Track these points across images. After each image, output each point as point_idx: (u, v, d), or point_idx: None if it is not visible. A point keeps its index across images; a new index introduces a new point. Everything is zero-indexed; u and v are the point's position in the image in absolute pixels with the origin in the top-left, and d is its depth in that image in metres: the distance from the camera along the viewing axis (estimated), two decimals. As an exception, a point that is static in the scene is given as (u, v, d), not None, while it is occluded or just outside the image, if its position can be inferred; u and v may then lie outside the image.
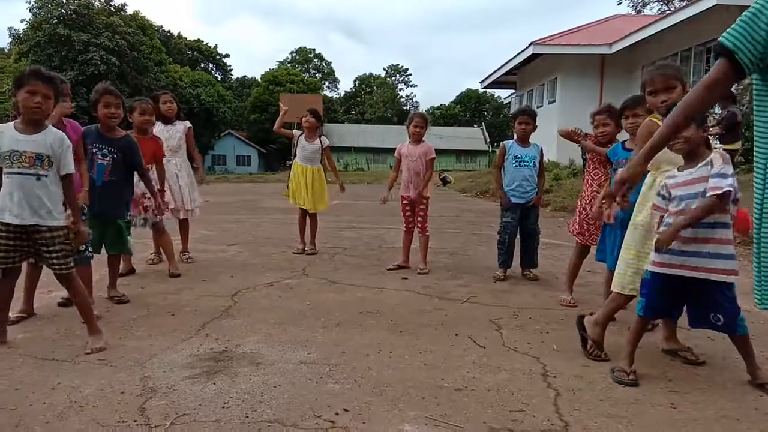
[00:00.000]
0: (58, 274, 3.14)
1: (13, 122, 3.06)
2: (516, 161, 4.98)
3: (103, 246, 4.12)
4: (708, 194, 2.57)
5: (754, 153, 1.88)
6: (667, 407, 2.51)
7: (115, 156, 4.05)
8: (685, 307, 2.90)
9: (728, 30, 1.84)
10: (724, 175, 2.58)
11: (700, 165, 2.68)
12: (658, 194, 2.85)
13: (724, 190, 2.53)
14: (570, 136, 4.35)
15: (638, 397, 2.60)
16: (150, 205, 4.85)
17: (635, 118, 3.54)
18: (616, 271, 3.14)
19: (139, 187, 4.69)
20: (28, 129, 3.00)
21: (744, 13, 1.81)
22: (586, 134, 4.33)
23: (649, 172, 3.03)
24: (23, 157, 2.95)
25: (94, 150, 3.99)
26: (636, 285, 3.01)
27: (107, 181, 4.00)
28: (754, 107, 1.89)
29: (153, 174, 4.90)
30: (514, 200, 4.98)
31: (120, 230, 4.14)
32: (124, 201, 4.21)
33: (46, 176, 3.02)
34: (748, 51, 1.79)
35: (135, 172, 4.27)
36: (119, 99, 4.05)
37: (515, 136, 5.11)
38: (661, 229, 2.76)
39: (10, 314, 3.52)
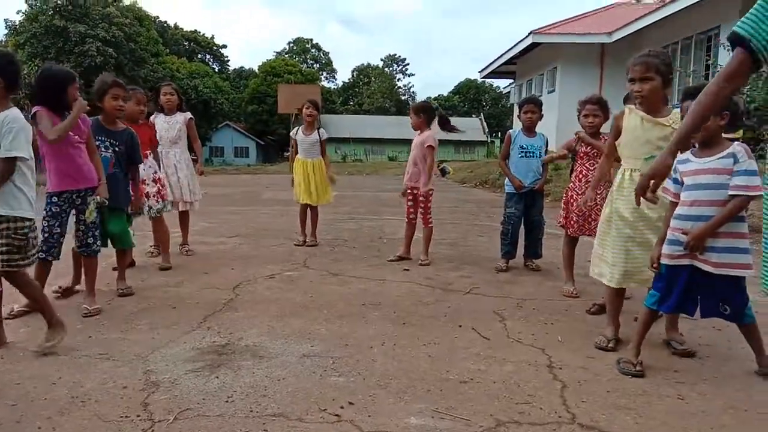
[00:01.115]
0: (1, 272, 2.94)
1: None
2: (522, 151, 4.94)
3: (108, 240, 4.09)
4: (739, 193, 2.53)
5: None
6: (674, 398, 2.50)
7: (117, 149, 4.02)
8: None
9: (742, 19, 1.88)
10: (753, 173, 2.53)
11: (719, 155, 2.62)
12: (670, 177, 2.74)
13: (759, 193, 2.48)
14: (571, 148, 4.33)
15: (645, 389, 2.58)
16: (151, 191, 4.80)
17: None
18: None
19: (140, 173, 4.67)
20: None
21: (758, 2, 1.85)
22: (576, 134, 4.28)
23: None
24: None
25: (97, 143, 3.94)
26: (600, 270, 3.16)
27: (112, 173, 3.96)
28: None
29: (150, 160, 4.86)
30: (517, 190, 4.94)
31: (123, 223, 4.12)
32: (128, 191, 4.18)
33: None
34: (762, 38, 1.82)
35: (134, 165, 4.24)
36: (127, 92, 4.05)
37: (521, 126, 5.06)
38: (677, 223, 2.70)
39: (15, 306, 3.51)
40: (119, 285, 4.13)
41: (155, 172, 4.94)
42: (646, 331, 2.86)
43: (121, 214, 4.09)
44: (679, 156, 2.72)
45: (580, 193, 4.12)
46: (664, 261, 2.76)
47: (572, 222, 4.17)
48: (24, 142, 2.90)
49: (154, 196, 4.81)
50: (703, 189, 2.63)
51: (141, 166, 4.71)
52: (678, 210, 2.74)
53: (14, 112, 2.92)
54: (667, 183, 2.77)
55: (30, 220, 2.98)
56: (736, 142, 2.67)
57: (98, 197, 3.60)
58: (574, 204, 4.14)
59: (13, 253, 2.91)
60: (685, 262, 2.68)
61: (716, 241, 2.61)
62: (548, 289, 4.40)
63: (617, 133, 3.15)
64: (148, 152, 4.86)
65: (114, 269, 4.28)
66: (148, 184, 4.77)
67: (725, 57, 11.55)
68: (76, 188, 3.53)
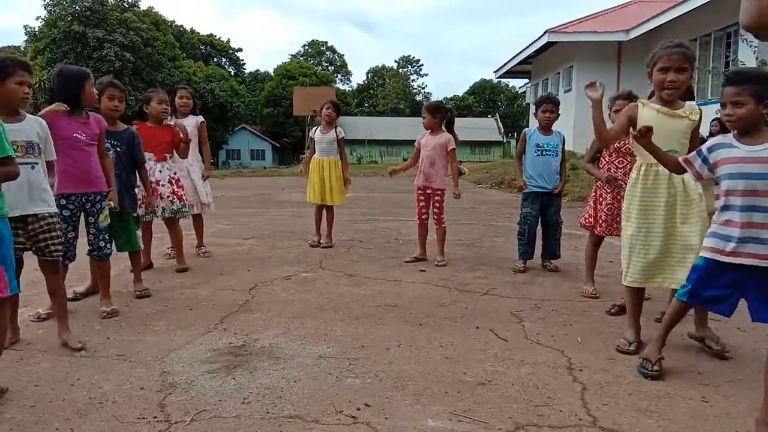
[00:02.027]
0: (50, 261, 3.05)
1: None
2: (538, 150, 4.88)
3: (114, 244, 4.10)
4: None
5: None
6: (698, 401, 2.44)
7: (119, 149, 4.04)
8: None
9: None
10: None
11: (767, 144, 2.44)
12: (699, 154, 2.59)
13: None
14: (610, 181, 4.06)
15: (668, 391, 2.52)
16: (165, 192, 4.81)
17: None
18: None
19: (154, 175, 4.71)
20: (10, 119, 2.90)
21: None
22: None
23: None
24: (16, 147, 2.84)
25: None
26: (637, 276, 3.01)
27: (114, 174, 3.97)
28: None
29: (169, 163, 4.88)
30: (535, 189, 4.89)
31: (128, 225, 4.13)
32: (132, 193, 4.20)
33: (38, 164, 2.98)
34: None
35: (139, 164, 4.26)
36: (123, 93, 4.07)
37: (537, 125, 5.00)
38: (729, 215, 2.49)
39: (40, 311, 3.56)
40: (136, 287, 4.15)
41: (174, 173, 4.94)
42: (673, 325, 2.75)
43: (125, 216, 4.09)
44: (719, 139, 2.58)
45: (609, 191, 4.02)
46: (705, 254, 2.57)
47: (600, 221, 4.07)
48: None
49: (168, 197, 4.82)
50: (756, 179, 2.43)
51: (157, 168, 4.75)
52: (727, 200, 2.51)
53: (34, 116, 3.09)
54: (694, 159, 2.61)
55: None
56: None
57: (111, 202, 3.64)
58: (604, 203, 4.05)
59: (62, 243, 3.10)
60: (737, 260, 2.45)
61: (762, 233, 2.40)
62: (567, 290, 4.34)
63: (628, 122, 3.03)
64: (168, 154, 4.88)
65: (131, 271, 4.31)
66: (163, 185, 4.79)
67: (745, 52, 11.38)
68: (85, 192, 3.54)
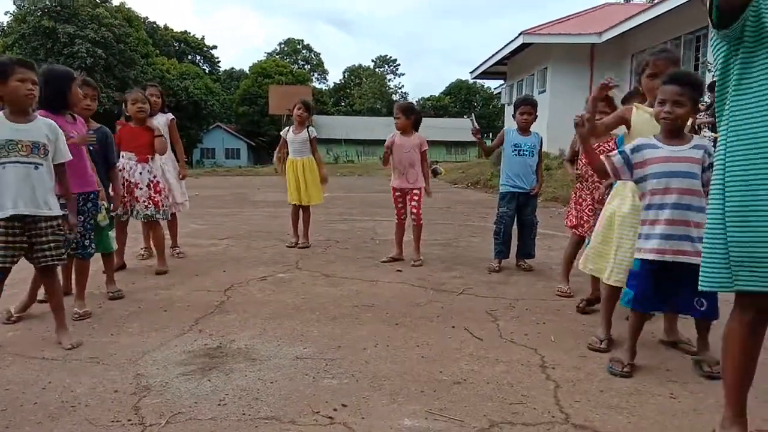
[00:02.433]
0: (45, 266, 3.07)
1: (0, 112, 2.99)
2: (515, 149, 4.94)
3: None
4: None
5: (724, 131, 1.89)
6: (667, 397, 2.50)
7: (92, 148, 3.95)
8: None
9: None
10: None
11: (690, 146, 2.62)
12: (624, 152, 2.70)
13: None
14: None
15: (638, 388, 2.58)
16: (142, 196, 4.75)
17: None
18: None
19: (133, 176, 4.66)
20: (19, 118, 2.95)
21: None
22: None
23: None
24: (20, 146, 2.91)
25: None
26: (598, 267, 3.14)
27: None
28: (736, 83, 1.87)
29: (150, 165, 4.81)
30: (512, 189, 4.95)
31: (100, 226, 4.06)
32: (104, 192, 4.13)
33: (42, 165, 2.99)
34: None
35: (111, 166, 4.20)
36: (96, 91, 4.04)
37: (516, 125, 5.05)
38: (654, 213, 2.66)
39: (12, 309, 3.52)
40: (109, 288, 4.10)
41: (154, 176, 4.87)
42: (638, 333, 2.85)
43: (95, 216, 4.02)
44: (643, 140, 2.70)
45: (588, 191, 4.09)
46: (640, 255, 2.72)
47: (583, 221, 4.13)
48: None
49: (144, 201, 4.75)
50: (680, 177, 2.59)
51: (137, 169, 4.71)
52: (649, 200, 2.68)
53: (47, 118, 3.14)
54: (615, 158, 2.71)
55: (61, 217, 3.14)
56: (696, 135, 2.68)
57: (105, 202, 3.61)
58: (584, 204, 4.12)
59: (59, 248, 3.10)
60: (668, 258, 2.63)
61: (692, 230, 2.59)
62: (541, 289, 4.40)
63: (620, 121, 3.09)
64: (149, 155, 4.83)
65: (104, 272, 4.24)
66: (140, 188, 4.73)
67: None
68: (81, 191, 3.52)
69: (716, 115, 1.99)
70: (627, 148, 2.72)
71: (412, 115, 5.37)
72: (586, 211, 4.09)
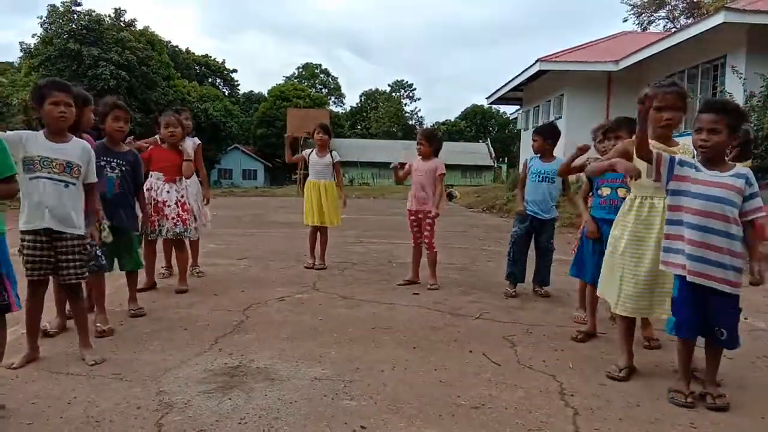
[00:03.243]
0: (70, 284, 3.17)
1: (41, 131, 3.13)
2: (536, 177, 4.98)
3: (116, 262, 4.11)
4: (759, 215, 2.60)
5: None
6: (687, 426, 2.49)
7: (123, 168, 4.07)
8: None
9: None
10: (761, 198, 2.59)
11: (730, 173, 2.64)
12: (675, 159, 2.71)
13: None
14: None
15: (658, 417, 2.57)
16: (170, 214, 4.86)
17: (617, 140, 3.56)
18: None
19: (161, 195, 4.80)
20: (56, 138, 3.10)
21: None
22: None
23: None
24: (54, 164, 3.05)
25: (102, 163, 4.00)
26: (629, 305, 3.05)
27: (118, 193, 4.02)
28: None
29: (177, 185, 4.92)
30: (528, 212, 4.96)
31: (131, 244, 4.15)
32: (134, 213, 4.24)
33: (74, 185, 3.12)
34: None
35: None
36: (128, 114, 4.15)
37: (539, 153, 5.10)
38: (683, 231, 2.67)
39: (47, 324, 3.58)
40: (131, 306, 4.16)
41: (182, 196, 4.98)
42: (688, 360, 2.82)
43: (127, 235, 4.11)
44: (689, 159, 2.74)
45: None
46: (664, 267, 2.76)
47: None
48: None
49: (173, 218, 4.86)
50: (715, 202, 2.62)
51: (165, 188, 4.83)
52: (678, 216, 2.70)
53: (82, 140, 3.30)
54: (665, 162, 2.71)
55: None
56: (739, 164, 2.70)
57: (106, 221, 3.68)
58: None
59: (83, 267, 3.21)
60: (695, 279, 2.65)
61: (723, 257, 2.61)
62: (558, 316, 4.39)
63: (623, 155, 3.07)
64: (177, 177, 4.96)
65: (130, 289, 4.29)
66: (169, 206, 4.84)
67: (732, 84, 11.65)
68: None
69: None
70: (678, 157, 2.74)
71: (434, 143, 5.48)
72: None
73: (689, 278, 2.66)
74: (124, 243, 4.08)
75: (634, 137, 3.18)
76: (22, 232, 3.05)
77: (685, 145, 3.09)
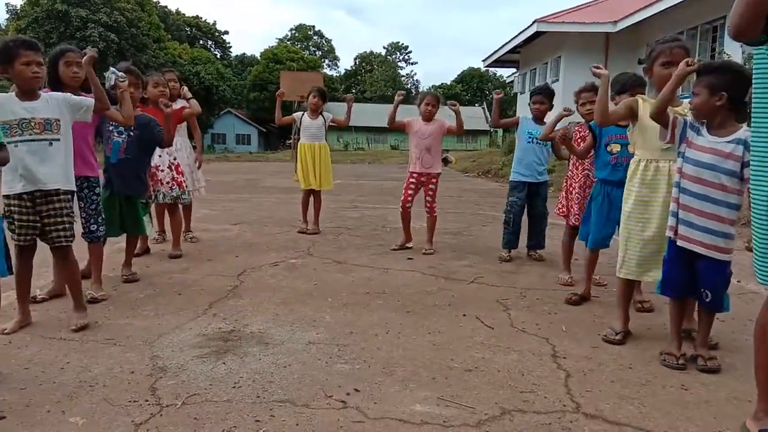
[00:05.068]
0: (58, 247, 3.13)
1: (11, 93, 3.05)
2: (529, 137, 4.92)
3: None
4: None
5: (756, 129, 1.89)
6: (678, 388, 2.51)
7: (132, 133, 4.00)
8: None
9: None
10: None
11: (728, 138, 2.57)
12: (687, 122, 2.68)
13: None
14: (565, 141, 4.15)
15: (649, 379, 2.59)
16: (165, 178, 4.82)
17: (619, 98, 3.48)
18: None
19: (153, 160, 4.70)
20: (28, 97, 3.02)
21: None
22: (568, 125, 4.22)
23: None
24: (33, 124, 2.98)
25: (110, 128, 3.95)
26: (632, 269, 3.05)
27: (123, 158, 3.98)
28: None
29: (170, 148, 4.85)
30: (522, 179, 4.94)
31: (136, 211, 4.12)
32: (142, 179, 4.18)
33: (58, 140, 3.06)
34: None
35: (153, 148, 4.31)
36: (139, 79, 4.10)
37: (531, 114, 5.03)
38: (681, 197, 2.66)
39: (38, 292, 3.56)
40: (124, 271, 4.15)
41: (174, 159, 4.93)
42: (679, 321, 2.85)
43: (131, 201, 4.08)
44: (695, 122, 2.68)
45: (578, 181, 4.12)
46: (669, 234, 2.74)
47: (572, 211, 4.17)
48: None
49: (168, 182, 4.82)
50: (707, 168, 2.59)
51: (157, 152, 4.72)
52: (680, 180, 2.68)
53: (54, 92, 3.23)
54: (679, 125, 2.69)
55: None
56: (745, 127, 2.62)
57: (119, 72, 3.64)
58: (574, 192, 4.15)
59: (71, 229, 3.14)
60: (683, 244, 2.66)
61: (712, 223, 2.59)
62: (551, 280, 4.41)
63: (628, 111, 3.05)
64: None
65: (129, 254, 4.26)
66: (162, 171, 4.79)
67: (732, 46, 11.49)
68: (82, 175, 3.51)
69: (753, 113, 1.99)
70: (689, 120, 2.70)
71: (439, 105, 5.47)
72: (574, 200, 4.10)
73: (679, 243, 2.67)
74: (128, 210, 4.06)
75: (638, 96, 3.13)
76: (6, 197, 3.01)
77: (687, 105, 3.04)
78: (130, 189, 4.03)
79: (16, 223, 3.01)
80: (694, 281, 2.73)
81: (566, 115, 4.15)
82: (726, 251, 2.62)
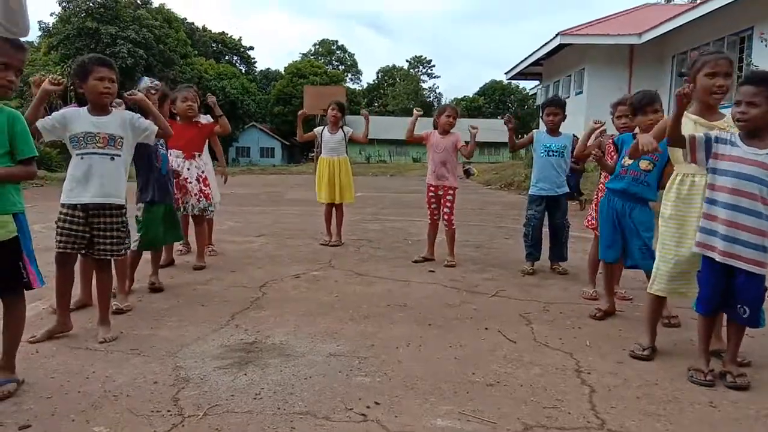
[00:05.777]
0: (104, 260, 3.21)
1: (84, 107, 3.18)
2: (545, 150, 4.89)
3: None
4: None
5: None
6: (706, 406, 2.45)
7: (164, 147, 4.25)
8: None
9: None
10: None
11: None
12: (710, 136, 2.63)
13: None
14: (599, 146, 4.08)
15: (676, 395, 2.53)
16: (193, 190, 4.93)
17: (654, 114, 3.42)
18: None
19: (182, 173, 4.86)
20: (98, 113, 3.15)
21: None
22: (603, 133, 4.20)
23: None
24: (97, 138, 3.10)
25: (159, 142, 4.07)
26: (663, 285, 2.97)
27: (168, 170, 4.26)
28: None
29: (197, 161, 4.96)
30: (540, 193, 4.91)
31: (174, 215, 4.32)
32: (171, 188, 4.40)
33: (119, 156, 3.18)
34: None
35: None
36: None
37: (545, 127, 5.02)
38: (713, 210, 2.60)
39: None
40: (151, 279, 4.23)
41: (202, 172, 5.03)
42: (708, 338, 2.78)
43: (172, 209, 4.30)
44: (724, 134, 2.63)
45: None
46: (697, 250, 2.69)
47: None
48: None
49: (196, 194, 4.93)
50: (747, 180, 2.53)
51: (185, 165, 4.92)
52: (714, 195, 2.63)
53: (124, 111, 3.40)
54: (700, 142, 2.63)
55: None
56: None
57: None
58: None
59: (120, 245, 3.24)
60: (725, 260, 2.58)
61: (753, 237, 2.53)
62: (575, 293, 4.34)
63: (664, 130, 3.00)
64: (196, 152, 5.01)
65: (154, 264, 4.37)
66: (191, 183, 4.90)
67: (760, 56, 11.30)
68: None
69: None
70: (713, 134, 2.66)
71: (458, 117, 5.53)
72: None
73: (719, 259, 2.59)
74: (170, 217, 4.23)
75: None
76: (62, 205, 3.12)
77: (728, 119, 2.98)
78: (171, 198, 4.26)
79: (63, 231, 3.08)
80: (727, 297, 2.67)
81: (598, 128, 4.12)
82: (764, 265, 2.56)
